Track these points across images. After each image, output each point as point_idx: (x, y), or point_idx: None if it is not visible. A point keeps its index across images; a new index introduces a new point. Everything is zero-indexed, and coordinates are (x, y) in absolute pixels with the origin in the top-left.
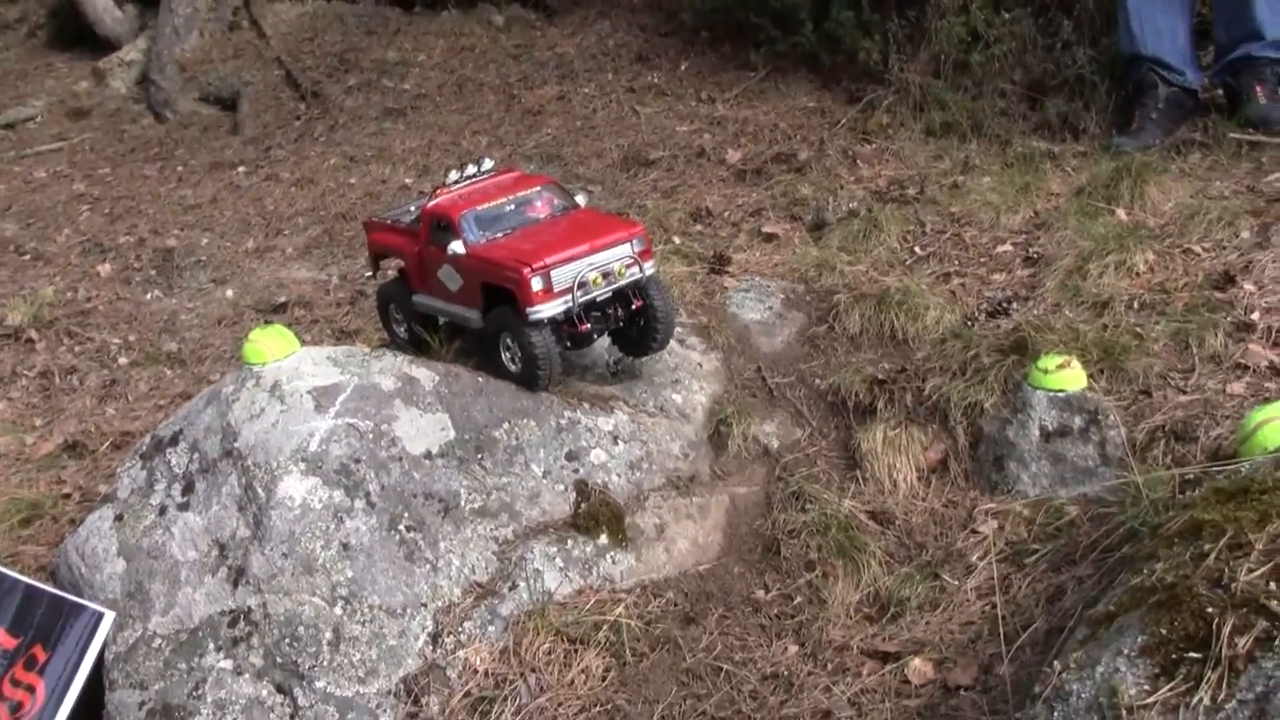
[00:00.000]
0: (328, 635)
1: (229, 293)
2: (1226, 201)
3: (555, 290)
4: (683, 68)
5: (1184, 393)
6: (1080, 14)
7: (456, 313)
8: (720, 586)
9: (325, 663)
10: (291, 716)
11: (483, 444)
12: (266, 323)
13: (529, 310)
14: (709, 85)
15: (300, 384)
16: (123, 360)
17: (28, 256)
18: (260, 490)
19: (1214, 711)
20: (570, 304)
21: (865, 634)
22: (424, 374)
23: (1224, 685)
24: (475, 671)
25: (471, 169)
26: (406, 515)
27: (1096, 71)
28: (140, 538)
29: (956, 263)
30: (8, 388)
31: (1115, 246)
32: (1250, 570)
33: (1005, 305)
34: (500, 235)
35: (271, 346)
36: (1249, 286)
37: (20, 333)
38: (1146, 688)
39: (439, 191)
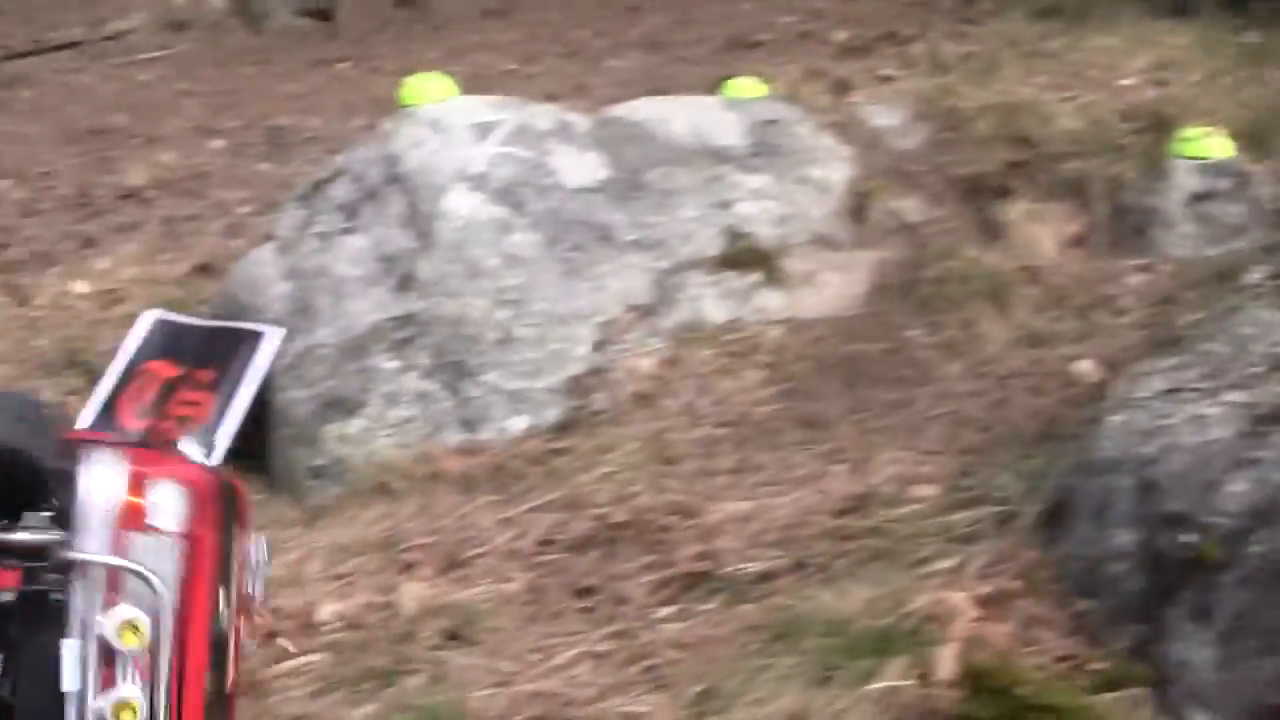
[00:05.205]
0: (495, 335)
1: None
2: None
3: None
4: None
5: None
6: None
7: None
8: (872, 325)
9: (492, 360)
10: (460, 406)
11: (637, 184)
12: None
13: None
14: None
15: (460, 119)
16: (243, 210)
17: (139, 140)
18: (426, 206)
19: None
20: None
21: (1024, 353)
22: (579, 118)
23: None
24: (638, 376)
25: None
26: (567, 238)
27: None
28: (303, 260)
29: (1084, 90)
30: (132, 233)
31: (1249, 63)
32: None
33: (1140, 110)
34: None
35: (428, 89)
36: None
37: (140, 191)
38: None
39: None
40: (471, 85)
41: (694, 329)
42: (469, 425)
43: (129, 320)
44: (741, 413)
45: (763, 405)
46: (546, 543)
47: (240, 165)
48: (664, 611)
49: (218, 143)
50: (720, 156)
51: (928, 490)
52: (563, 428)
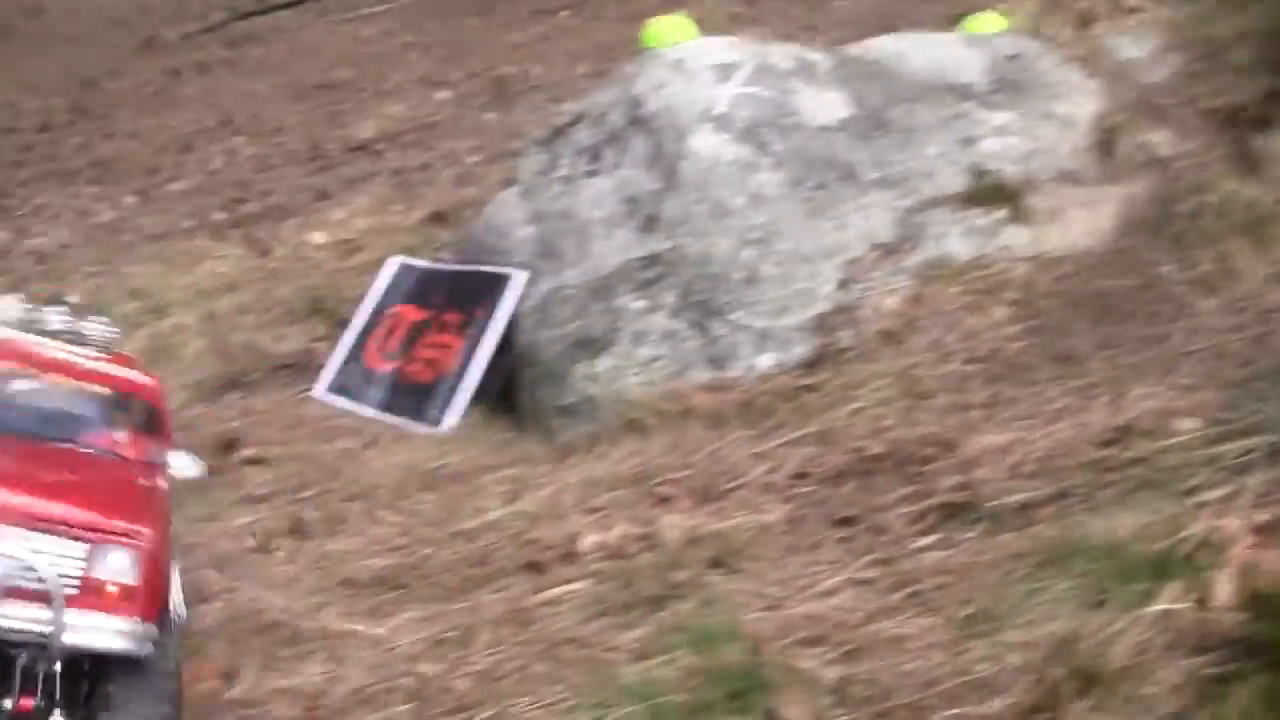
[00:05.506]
0: (741, 274)
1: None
2: None
3: None
4: None
5: None
6: None
7: None
8: (1122, 261)
9: (738, 299)
10: (707, 345)
11: (880, 122)
12: None
13: None
14: None
15: (701, 60)
16: (472, 159)
17: (366, 93)
18: (670, 147)
19: None
20: None
21: None
22: (820, 57)
23: None
24: (884, 314)
25: None
26: (810, 177)
27: None
28: (548, 204)
29: None
30: (365, 185)
31: None
32: None
33: None
34: None
35: (670, 31)
36: None
37: (370, 144)
38: None
39: None
40: (701, 28)
41: (939, 266)
42: (716, 363)
43: (368, 268)
44: (991, 349)
45: (1012, 341)
46: (801, 475)
47: (467, 115)
48: (924, 540)
49: (444, 94)
50: (963, 93)
51: (1189, 423)
52: (810, 364)
